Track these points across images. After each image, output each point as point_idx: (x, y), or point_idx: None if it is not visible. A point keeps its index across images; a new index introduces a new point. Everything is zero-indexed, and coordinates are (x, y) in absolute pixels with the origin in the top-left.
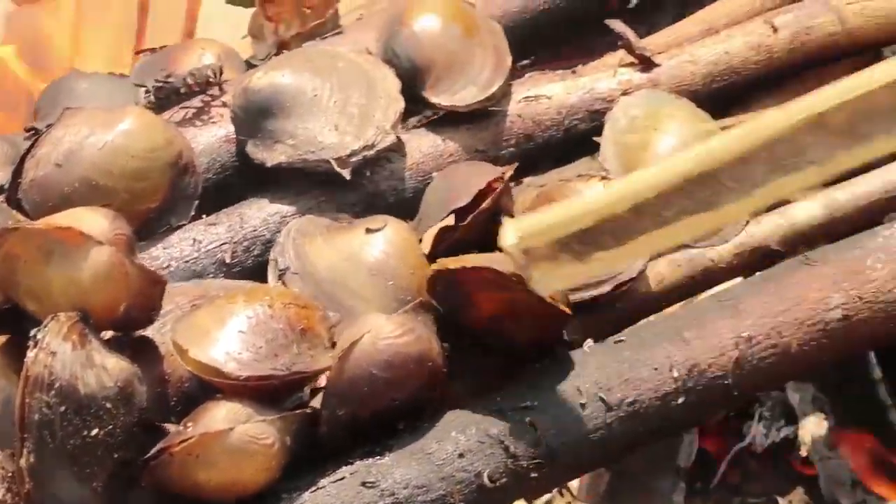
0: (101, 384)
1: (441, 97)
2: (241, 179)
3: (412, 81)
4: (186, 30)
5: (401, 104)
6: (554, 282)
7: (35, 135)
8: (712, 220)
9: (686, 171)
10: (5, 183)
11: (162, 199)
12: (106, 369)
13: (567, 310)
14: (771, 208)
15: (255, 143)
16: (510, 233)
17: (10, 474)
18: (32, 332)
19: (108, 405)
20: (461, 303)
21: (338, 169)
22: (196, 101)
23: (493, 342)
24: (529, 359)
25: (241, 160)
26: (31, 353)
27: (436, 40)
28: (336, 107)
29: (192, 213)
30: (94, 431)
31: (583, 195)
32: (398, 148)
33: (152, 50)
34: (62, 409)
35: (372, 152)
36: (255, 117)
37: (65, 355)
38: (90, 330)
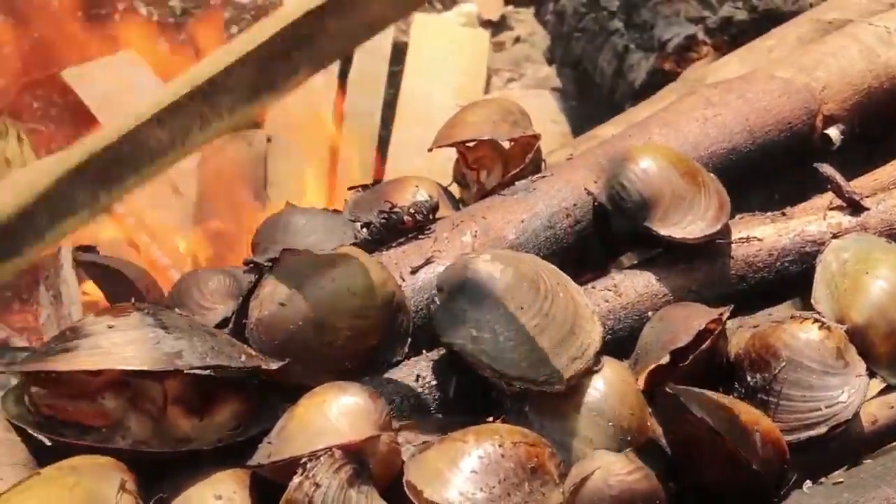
0: None
1: (671, 229)
2: None
3: (639, 214)
4: (376, 172)
5: (587, 364)
6: None
7: (254, 268)
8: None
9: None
10: (228, 314)
11: (379, 337)
12: None
13: (747, 456)
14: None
15: (444, 311)
16: None
17: None
18: (303, 460)
19: None
20: (665, 425)
21: (493, 381)
22: (411, 240)
23: (686, 475)
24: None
25: None
26: (296, 479)
27: (662, 176)
28: (531, 329)
29: (406, 350)
30: None
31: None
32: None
33: (364, 186)
34: None
35: (533, 388)
36: (457, 290)
37: (329, 490)
38: (363, 474)
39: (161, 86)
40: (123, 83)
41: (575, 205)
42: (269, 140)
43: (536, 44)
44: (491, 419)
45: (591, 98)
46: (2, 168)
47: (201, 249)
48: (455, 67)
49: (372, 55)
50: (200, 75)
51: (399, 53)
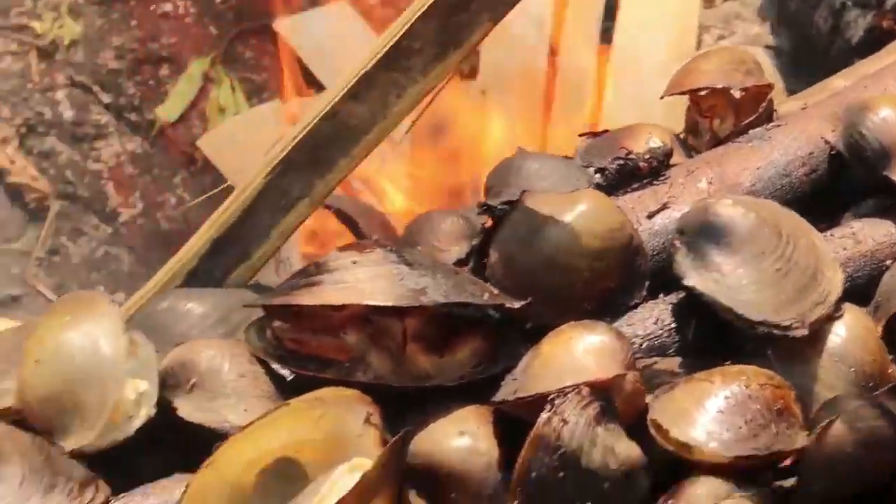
0: (605, 464)
1: None
2: None
3: (878, 163)
4: (592, 117)
5: (828, 310)
6: None
7: (487, 210)
8: (251, 267)
9: (210, 235)
10: (462, 256)
11: (618, 279)
12: (614, 452)
13: None
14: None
15: (685, 254)
16: None
17: None
18: (551, 396)
19: (606, 486)
20: None
21: (735, 325)
22: (646, 185)
23: None
24: None
25: None
26: (544, 415)
27: None
28: (773, 274)
29: (644, 293)
30: None
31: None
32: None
33: (595, 133)
34: (560, 474)
35: (776, 332)
36: (699, 233)
37: (577, 426)
38: (610, 412)
39: (373, 37)
40: (336, 34)
41: (810, 154)
42: (483, 93)
43: (747, 1)
44: (730, 363)
45: (805, 55)
46: (215, 115)
47: (415, 196)
48: (666, 24)
49: (584, 12)
50: (385, 42)
51: (610, 10)
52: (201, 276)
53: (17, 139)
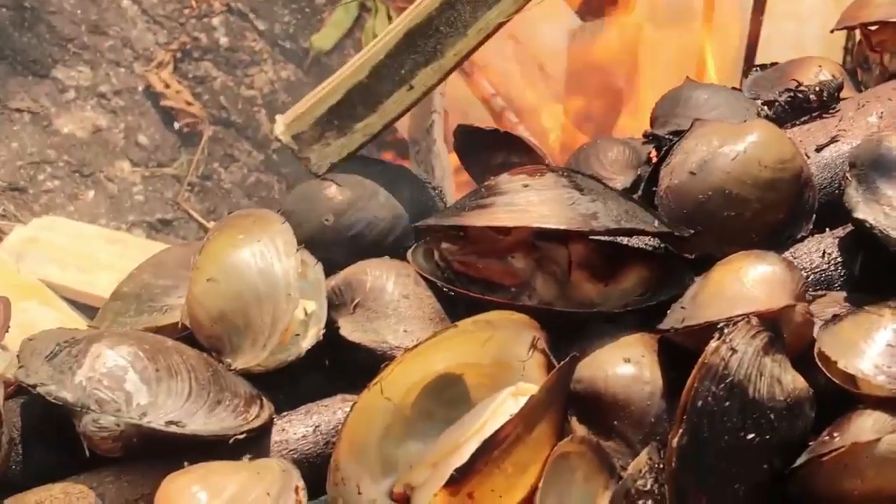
0: (771, 394)
1: None
2: None
3: None
4: (748, 50)
5: None
6: (328, 157)
7: (654, 140)
8: (441, 68)
9: (406, 26)
10: (627, 185)
11: (786, 211)
12: (780, 383)
13: None
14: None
15: (855, 187)
16: (279, 124)
17: (657, 465)
18: (720, 325)
19: (772, 416)
20: None
21: None
22: (815, 118)
23: None
24: None
25: None
26: (713, 343)
27: None
28: None
29: (811, 226)
30: (751, 436)
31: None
32: None
33: (763, 66)
34: (726, 404)
35: None
36: (871, 166)
37: (744, 356)
38: (777, 343)
39: None
40: None
41: None
42: (639, 26)
43: None
44: None
45: None
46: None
47: (568, 129)
48: None
49: None
50: None
51: None
52: (386, 73)
53: (172, 64)
